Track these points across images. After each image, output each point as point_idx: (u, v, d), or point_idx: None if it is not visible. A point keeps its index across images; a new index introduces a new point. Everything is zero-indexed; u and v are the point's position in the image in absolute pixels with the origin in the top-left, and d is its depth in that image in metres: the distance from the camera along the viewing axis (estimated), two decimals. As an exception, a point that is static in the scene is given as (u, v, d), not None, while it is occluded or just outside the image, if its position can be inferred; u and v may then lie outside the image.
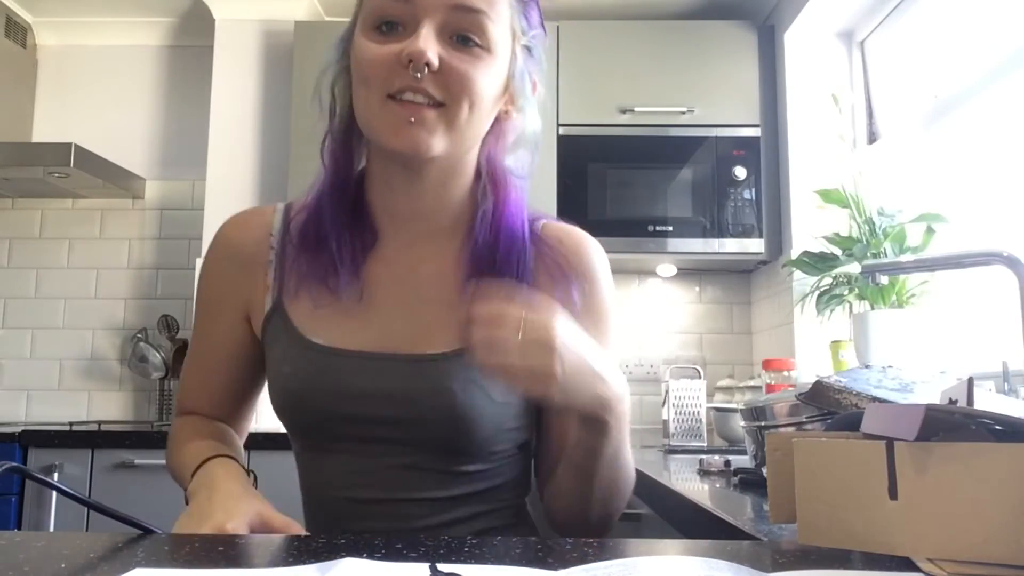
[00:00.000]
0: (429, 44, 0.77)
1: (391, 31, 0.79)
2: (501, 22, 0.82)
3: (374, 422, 0.84)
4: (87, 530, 2.13)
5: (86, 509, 2.14)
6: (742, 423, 1.18)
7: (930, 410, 0.54)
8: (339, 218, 0.87)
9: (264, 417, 2.61)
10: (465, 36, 0.79)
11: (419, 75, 0.77)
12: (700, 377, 2.17)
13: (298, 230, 0.90)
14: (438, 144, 0.80)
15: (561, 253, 0.90)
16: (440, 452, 0.85)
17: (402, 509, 0.85)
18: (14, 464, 0.65)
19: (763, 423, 1.09)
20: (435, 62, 0.77)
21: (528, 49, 0.87)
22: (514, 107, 0.88)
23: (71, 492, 0.72)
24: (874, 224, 1.93)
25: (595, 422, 0.77)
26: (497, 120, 0.88)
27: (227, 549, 0.61)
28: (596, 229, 0.98)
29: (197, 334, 0.97)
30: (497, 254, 0.87)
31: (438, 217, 0.89)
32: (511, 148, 0.90)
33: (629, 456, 0.87)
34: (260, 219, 0.94)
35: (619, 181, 2.49)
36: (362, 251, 0.88)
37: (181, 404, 0.99)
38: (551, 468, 0.90)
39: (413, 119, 0.78)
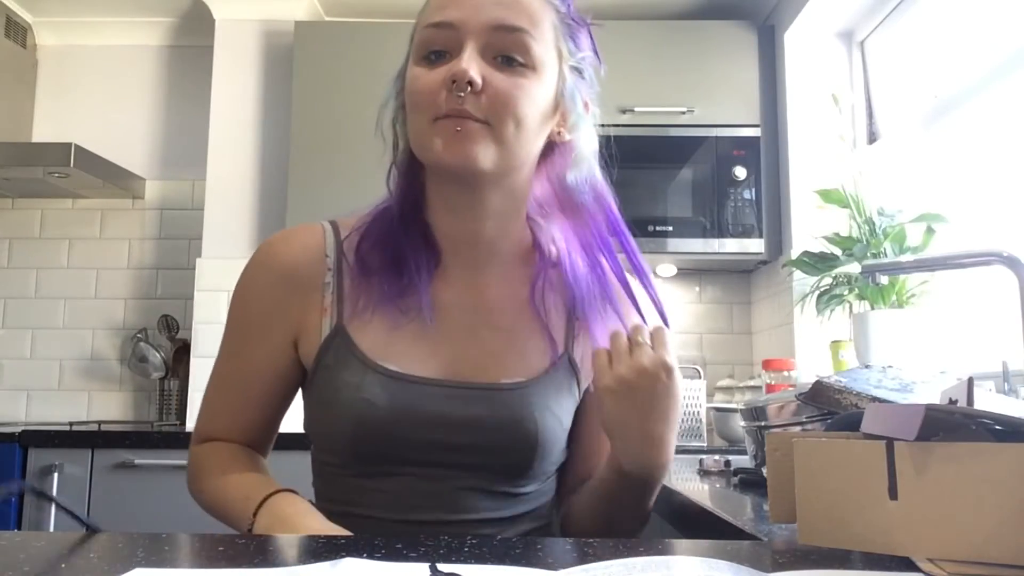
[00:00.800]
0: (471, 64, 0.78)
1: (439, 59, 0.82)
2: (544, 41, 0.83)
3: (451, 448, 0.85)
4: (87, 531, 2.12)
5: (86, 509, 2.14)
6: (742, 423, 1.18)
7: (930, 410, 0.54)
8: (410, 241, 0.88)
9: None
10: (508, 55, 0.81)
11: (462, 94, 0.78)
12: (700, 377, 2.17)
13: (361, 251, 0.89)
14: (486, 156, 0.80)
15: (601, 287, 0.92)
16: (509, 475, 0.87)
17: (465, 530, 0.85)
18: (28, 484, 0.64)
19: (763, 423, 1.08)
20: (478, 80, 0.78)
21: (577, 71, 0.88)
22: (566, 127, 0.88)
23: (78, 516, 0.70)
24: (874, 224, 1.93)
25: (635, 479, 0.83)
26: (551, 142, 0.88)
27: (227, 549, 0.61)
28: (596, 229, 0.97)
29: (230, 357, 0.92)
30: (567, 281, 0.91)
31: (500, 242, 0.90)
32: (570, 168, 0.90)
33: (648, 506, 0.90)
34: (312, 239, 0.91)
35: (619, 181, 2.47)
36: (429, 274, 0.89)
37: (203, 430, 0.93)
38: (574, 485, 0.95)
39: (459, 128, 0.79)
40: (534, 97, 0.82)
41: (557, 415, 0.88)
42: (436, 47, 0.82)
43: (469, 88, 0.78)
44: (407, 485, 0.85)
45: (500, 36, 0.80)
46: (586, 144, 0.89)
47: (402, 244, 0.88)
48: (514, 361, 0.88)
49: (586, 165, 0.90)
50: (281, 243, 0.92)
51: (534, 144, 0.85)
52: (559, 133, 0.88)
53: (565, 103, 0.86)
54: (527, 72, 0.81)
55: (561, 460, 0.93)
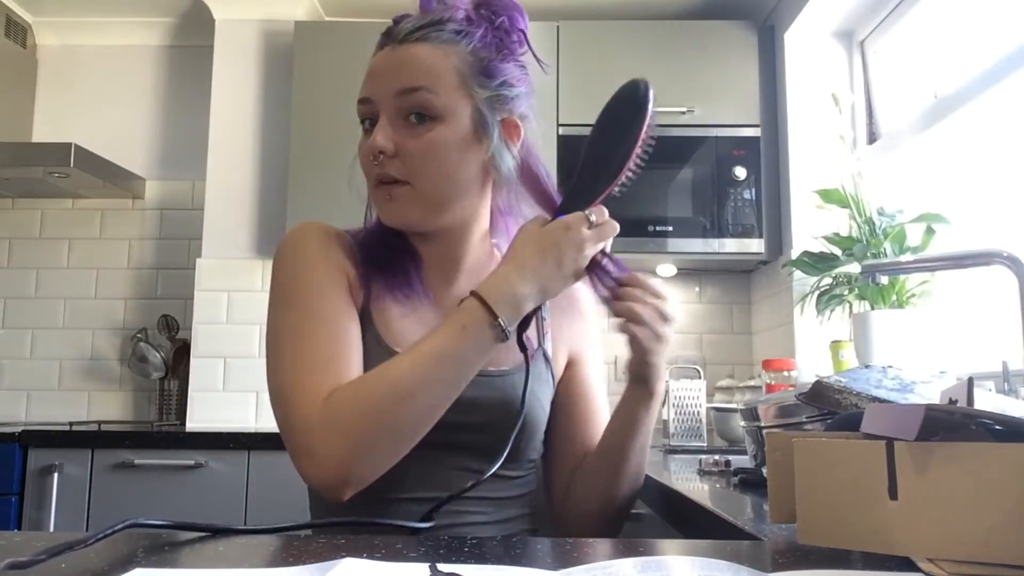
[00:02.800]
0: (381, 135, 0.90)
1: (372, 125, 0.93)
2: (447, 90, 0.91)
3: (446, 427, 0.89)
4: (87, 530, 2.12)
5: (86, 509, 2.15)
6: (742, 423, 1.18)
7: (930, 410, 0.54)
8: (397, 253, 0.98)
9: (264, 417, 2.61)
10: (418, 113, 0.91)
11: (376, 163, 0.91)
12: (700, 377, 2.16)
13: (369, 250, 0.98)
14: (415, 213, 0.93)
15: (565, 295, 0.99)
16: (497, 455, 0.95)
17: (463, 506, 0.93)
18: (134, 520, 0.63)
19: (763, 423, 1.08)
20: (389, 148, 0.90)
21: (500, 98, 0.94)
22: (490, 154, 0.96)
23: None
24: (874, 224, 1.93)
25: (644, 392, 0.95)
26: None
27: (227, 549, 0.61)
28: (596, 228, 1.02)
29: (315, 317, 0.89)
30: None
31: (466, 257, 1.01)
32: (496, 192, 0.99)
33: (647, 458, 1.01)
34: (341, 232, 1.00)
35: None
36: (418, 275, 0.99)
37: (321, 389, 0.84)
38: (575, 465, 1.04)
39: (389, 196, 0.92)
40: (446, 145, 0.91)
41: (539, 399, 1.00)
42: (364, 117, 0.94)
43: (383, 155, 0.90)
44: (404, 466, 0.88)
45: (405, 99, 0.90)
46: (504, 170, 0.95)
47: (392, 251, 0.98)
48: (499, 353, 0.95)
49: (510, 187, 0.97)
50: (326, 227, 0.99)
51: (463, 181, 0.94)
52: (490, 160, 0.95)
53: (486, 134, 0.94)
54: (436, 124, 0.91)
55: (539, 451, 1.03)
